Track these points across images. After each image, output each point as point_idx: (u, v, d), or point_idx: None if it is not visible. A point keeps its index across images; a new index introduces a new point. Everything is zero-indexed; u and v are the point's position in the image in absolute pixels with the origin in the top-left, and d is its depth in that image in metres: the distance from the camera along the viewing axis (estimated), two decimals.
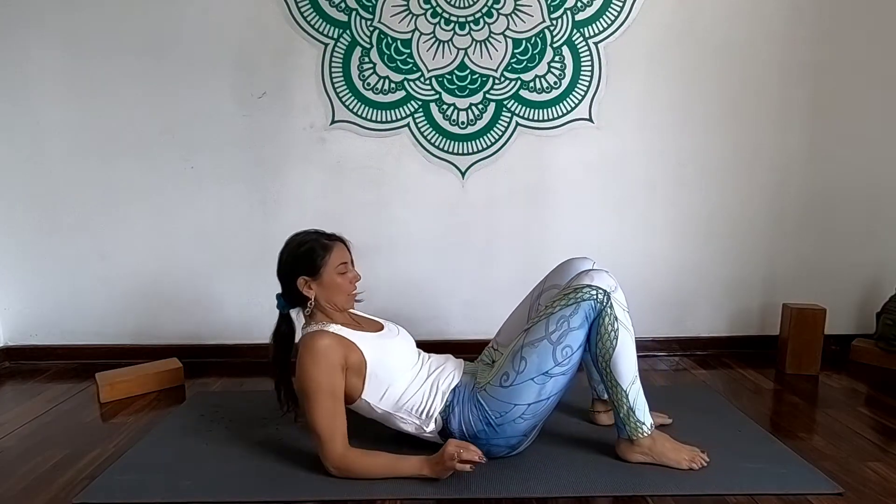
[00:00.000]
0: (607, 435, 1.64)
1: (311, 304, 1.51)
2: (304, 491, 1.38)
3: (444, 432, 1.49)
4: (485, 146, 2.30)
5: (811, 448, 1.59)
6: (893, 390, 2.01)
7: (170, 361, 2.16)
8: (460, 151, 2.30)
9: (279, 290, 1.55)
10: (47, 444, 1.65)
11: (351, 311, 1.60)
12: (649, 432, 1.48)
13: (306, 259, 1.50)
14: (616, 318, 1.44)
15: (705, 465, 1.47)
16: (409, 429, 1.52)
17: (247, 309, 2.36)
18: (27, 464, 1.54)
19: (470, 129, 2.29)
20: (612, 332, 1.44)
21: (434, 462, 1.39)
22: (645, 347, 2.41)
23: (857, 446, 1.60)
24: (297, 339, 1.55)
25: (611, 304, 1.44)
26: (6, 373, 2.26)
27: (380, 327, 1.62)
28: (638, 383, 1.48)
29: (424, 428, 1.50)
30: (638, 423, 1.47)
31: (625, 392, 1.46)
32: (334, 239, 1.56)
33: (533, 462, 1.50)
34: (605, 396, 1.65)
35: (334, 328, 1.48)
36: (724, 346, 2.43)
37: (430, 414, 1.49)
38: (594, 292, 1.44)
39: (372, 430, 1.57)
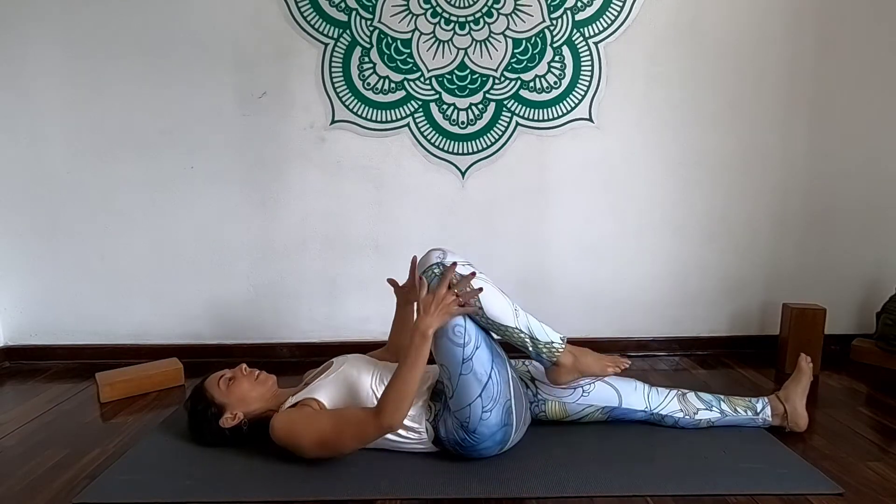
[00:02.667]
0: (607, 435, 1.64)
1: (244, 424, 1.54)
2: (303, 491, 1.38)
3: (437, 440, 1.50)
4: (485, 146, 2.30)
5: (811, 448, 1.59)
6: (893, 390, 2.01)
7: (170, 361, 2.16)
8: (460, 151, 2.30)
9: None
10: (47, 444, 1.65)
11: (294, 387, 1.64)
12: (562, 346, 1.51)
13: (203, 412, 1.55)
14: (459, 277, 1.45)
15: (627, 366, 1.54)
16: (400, 442, 1.51)
17: (247, 308, 2.37)
18: (27, 464, 1.54)
19: (470, 129, 2.29)
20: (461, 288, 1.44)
21: (427, 320, 1.39)
22: (645, 347, 2.42)
23: (857, 446, 1.60)
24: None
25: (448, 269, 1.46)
26: (6, 373, 2.26)
27: (327, 367, 1.64)
28: (522, 313, 1.50)
29: (412, 437, 1.50)
30: (546, 345, 1.49)
31: (515, 329, 1.48)
32: (201, 383, 1.60)
33: (533, 462, 1.50)
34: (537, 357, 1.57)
35: (287, 404, 1.52)
36: (724, 346, 2.43)
37: (412, 424, 1.48)
38: (431, 271, 1.46)
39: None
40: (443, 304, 1.41)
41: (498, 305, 1.47)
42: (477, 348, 1.44)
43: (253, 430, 1.55)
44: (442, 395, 1.52)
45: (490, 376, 1.44)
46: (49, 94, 2.21)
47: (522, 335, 1.49)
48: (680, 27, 2.24)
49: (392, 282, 1.62)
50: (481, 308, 1.45)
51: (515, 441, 1.53)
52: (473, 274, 1.46)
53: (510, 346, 1.55)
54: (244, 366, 1.61)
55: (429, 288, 1.45)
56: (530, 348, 1.51)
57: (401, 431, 1.50)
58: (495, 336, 1.54)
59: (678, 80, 2.27)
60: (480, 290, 1.45)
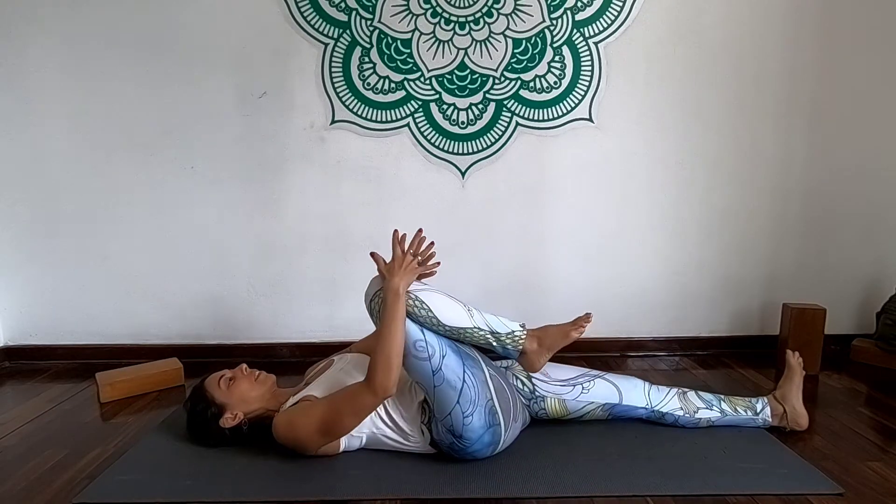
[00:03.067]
0: (607, 434, 1.64)
1: (244, 424, 1.54)
2: (304, 491, 1.38)
3: (433, 442, 1.49)
4: (485, 146, 2.30)
5: (811, 448, 1.59)
6: (893, 390, 2.01)
7: (170, 361, 2.16)
8: (460, 151, 2.30)
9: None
10: (47, 444, 1.65)
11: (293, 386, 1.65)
12: (524, 333, 1.53)
13: (203, 412, 1.55)
14: (409, 296, 1.46)
15: (590, 321, 1.53)
16: (399, 444, 1.51)
17: (247, 308, 2.37)
18: (27, 464, 1.54)
19: (470, 129, 2.29)
20: (416, 304, 1.45)
21: (395, 280, 1.42)
22: (645, 347, 2.42)
23: (857, 446, 1.60)
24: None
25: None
26: (6, 373, 2.26)
27: (328, 365, 1.65)
28: (476, 312, 1.52)
29: (410, 440, 1.50)
30: (509, 336, 1.51)
31: (474, 328, 1.49)
32: (201, 383, 1.60)
33: (533, 462, 1.50)
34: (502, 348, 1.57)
35: (288, 403, 1.52)
36: (724, 346, 2.43)
37: (407, 427, 1.48)
38: (378, 297, 1.47)
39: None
40: (404, 264, 1.44)
41: (450, 310, 1.48)
42: (443, 357, 1.44)
43: (253, 430, 1.55)
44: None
45: (464, 380, 1.43)
46: (49, 94, 2.21)
47: (482, 332, 1.50)
48: (680, 27, 2.24)
49: (375, 256, 1.56)
50: (436, 317, 1.46)
51: (510, 440, 1.52)
52: (420, 230, 1.51)
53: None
54: (244, 366, 1.61)
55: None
56: (494, 344, 1.51)
57: (398, 433, 1.50)
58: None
59: (678, 80, 2.27)
60: (432, 243, 1.50)
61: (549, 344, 1.53)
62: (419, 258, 1.50)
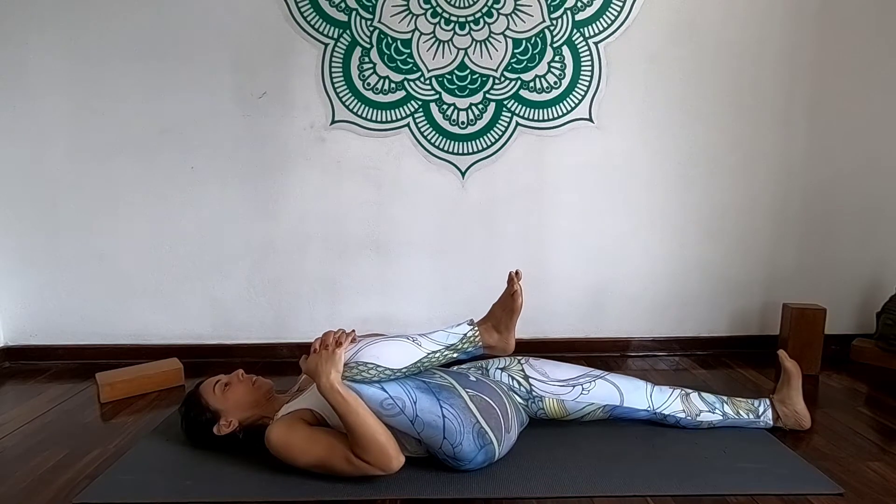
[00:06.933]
0: (607, 435, 1.64)
1: (239, 431, 1.52)
2: (303, 491, 1.38)
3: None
4: (485, 146, 2.30)
5: (811, 448, 1.59)
6: (893, 390, 2.01)
7: (170, 361, 2.16)
8: (460, 151, 2.30)
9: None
10: (47, 444, 1.65)
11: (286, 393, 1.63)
12: (475, 329, 1.49)
13: (198, 417, 1.53)
14: (348, 367, 1.38)
15: (520, 276, 1.48)
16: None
17: (247, 308, 2.37)
18: (27, 464, 1.54)
19: (470, 129, 2.29)
20: (360, 368, 1.37)
21: (322, 380, 1.34)
22: (645, 347, 2.42)
23: (857, 446, 1.60)
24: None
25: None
26: (6, 373, 2.26)
27: None
28: (422, 339, 1.46)
29: (407, 449, 1.46)
30: (465, 341, 1.48)
31: (429, 354, 1.44)
32: (196, 388, 1.58)
33: (533, 462, 1.50)
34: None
35: (281, 412, 1.50)
36: (724, 346, 2.43)
37: (403, 439, 1.44)
38: (356, 369, 1.38)
39: None
40: (324, 356, 1.36)
41: (395, 352, 1.41)
42: (415, 402, 1.38)
43: (248, 436, 1.53)
44: None
45: (443, 416, 1.39)
46: (50, 94, 2.21)
47: (438, 352, 1.45)
48: (680, 27, 2.24)
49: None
50: (388, 368, 1.39)
51: (506, 450, 1.49)
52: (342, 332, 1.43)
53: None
54: (241, 371, 1.59)
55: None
56: (455, 356, 1.48)
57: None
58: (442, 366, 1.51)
59: (678, 80, 2.27)
60: (353, 332, 1.44)
61: (505, 324, 1.49)
62: (334, 343, 1.39)
